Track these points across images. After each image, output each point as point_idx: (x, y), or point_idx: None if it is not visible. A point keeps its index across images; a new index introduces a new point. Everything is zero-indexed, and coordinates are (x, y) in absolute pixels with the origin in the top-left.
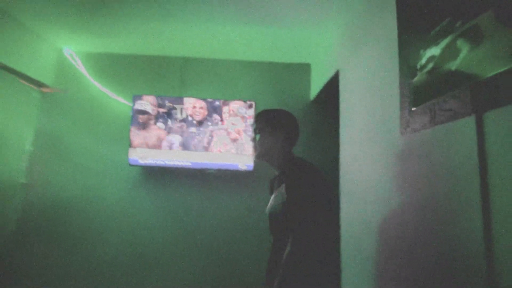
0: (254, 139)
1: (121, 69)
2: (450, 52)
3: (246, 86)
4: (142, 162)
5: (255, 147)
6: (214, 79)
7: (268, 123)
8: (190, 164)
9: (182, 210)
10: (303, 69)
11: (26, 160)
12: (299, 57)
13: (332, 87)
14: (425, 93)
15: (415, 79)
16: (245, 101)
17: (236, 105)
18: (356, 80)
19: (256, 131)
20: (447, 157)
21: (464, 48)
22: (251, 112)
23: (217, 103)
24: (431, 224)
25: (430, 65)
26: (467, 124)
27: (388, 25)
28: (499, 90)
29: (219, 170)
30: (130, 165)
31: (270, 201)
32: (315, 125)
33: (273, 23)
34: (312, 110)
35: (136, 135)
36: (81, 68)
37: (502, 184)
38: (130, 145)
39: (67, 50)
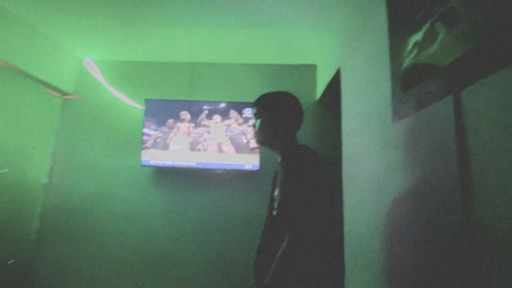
0: (254, 125)
1: (134, 75)
2: (430, 36)
3: (253, 88)
4: (153, 162)
5: (255, 133)
6: (221, 82)
7: (268, 107)
8: (199, 164)
9: (191, 209)
10: (309, 70)
11: (48, 162)
12: (305, 58)
13: (335, 86)
14: (411, 79)
15: (403, 66)
16: (252, 103)
17: (243, 107)
18: (355, 76)
19: (256, 115)
20: (430, 140)
21: (441, 30)
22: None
23: (224, 105)
24: (420, 210)
25: (415, 51)
26: (446, 104)
27: (381, 19)
28: (472, 67)
29: (226, 170)
30: (142, 165)
31: (275, 201)
32: (320, 125)
33: (279, 25)
34: (317, 110)
35: (148, 137)
36: (99, 76)
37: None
38: (142, 147)
39: (87, 60)
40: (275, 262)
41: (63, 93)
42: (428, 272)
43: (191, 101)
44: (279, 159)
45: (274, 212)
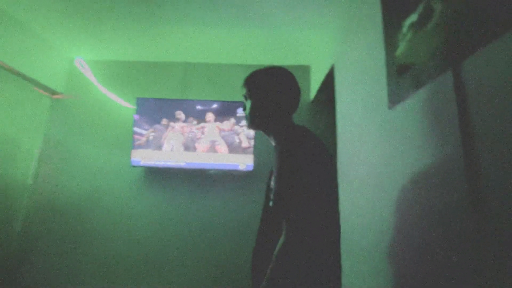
0: (244, 107)
1: (125, 75)
2: (426, 14)
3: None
4: (143, 163)
5: (246, 116)
6: (214, 83)
7: (259, 86)
8: (191, 164)
9: (183, 210)
10: (303, 71)
11: (34, 162)
12: (299, 59)
13: (329, 84)
14: (408, 61)
15: (398, 51)
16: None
17: (237, 106)
18: (349, 68)
19: (246, 96)
20: (431, 121)
21: (437, 7)
22: None
23: (217, 104)
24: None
25: (410, 33)
26: (446, 79)
27: (375, 9)
28: (471, 38)
29: (219, 171)
30: (132, 166)
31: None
32: (315, 126)
33: (272, 25)
34: (311, 110)
35: (140, 137)
36: (90, 75)
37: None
38: (132, 147)
39: (78, 59)
40: (272, 262)
41: (52, 92)
42: (433, 268)
43: (183, 99)
44: (273, 143)
45: (271, 203)
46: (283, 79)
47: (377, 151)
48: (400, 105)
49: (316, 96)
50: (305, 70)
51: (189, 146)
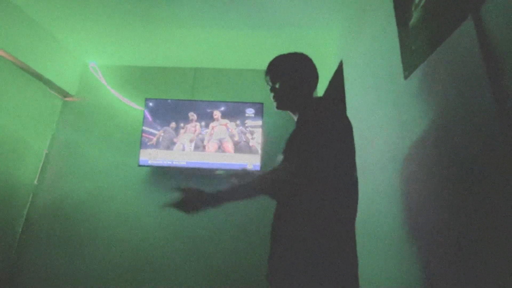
0: (271, 90)
1: (137, 79)
2: None
3: (255, 92)
4: (151, 162)
5: (275, 98)
6: (224, 86)
7: (284, 69)
8: (199, 164)
9: None
10: None
11: (41, 162)
12: None
13: (337, 80)
14: (422, 26)
15: (411, 22)
16: (254, 103)
17: (246, 107)
18: (359, 59)
19: (271, 80)
20: (455, 72)
21: None
22: (260, 113)
23: (226, 104)
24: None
25: (423, 0)
26: (467, 28)
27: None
28: None
29: (227, 170)
30: (139, 165)
31: None
32: None
33: (279, 26)
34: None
35: (149, 137)
36: (102, 80)
37: None
38: (140, 146)
39: (92, 64)
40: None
41: (65, 94)
42: (456, 240)
43: (192, 100)
44: (295, 118)
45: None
46: (303, 61)
47: (393, 124)
48: (416, 72)
49: (325, 94)
50: None
51: (198, 146)
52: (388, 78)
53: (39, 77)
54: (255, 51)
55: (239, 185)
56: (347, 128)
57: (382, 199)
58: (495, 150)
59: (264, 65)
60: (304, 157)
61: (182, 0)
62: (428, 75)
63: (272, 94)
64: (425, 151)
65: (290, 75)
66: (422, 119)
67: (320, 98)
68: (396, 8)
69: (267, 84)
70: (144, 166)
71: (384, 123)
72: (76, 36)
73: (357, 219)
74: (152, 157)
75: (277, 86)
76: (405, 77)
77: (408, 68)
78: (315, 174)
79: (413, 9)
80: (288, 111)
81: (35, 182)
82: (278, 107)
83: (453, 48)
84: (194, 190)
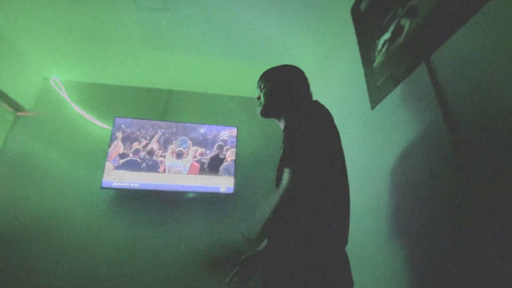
0: (259, 97)
1: (105, 97)
2: (398, 30)
3: (229, 117)
4: (116, 185)
5: (260, 105)
6: (197, 109)
7: (273, 76)
8: (170, 187)
9: (158, 237)
10: None
11: None
12: None
13: None
14: (385, 68)
15: (375, 63)
16: (228, 127)
17: (220, 130)
18: (329, 88)
19: (261, 87)
20: (411, 109)
21: (406, 23)
22: (234, 137)
23: (200, 126)
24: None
25: (385, 47)
26: (420, 71)
27: (350, 39)
28: (436, 33)
29: (199, 193)
30: (102, 187)
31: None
32: None
33: (254, 56)
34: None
35: (113, 157)
36: (64, 95)
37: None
38: (105, 167)
39: (54, 79)
40: (272, 206)
41: (18, 108)
42: (424, 254)
43: (163, 121)
44: (282, 127)
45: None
46: (292, 71)
47: (362, 148)
48: (382, 103)
49: None
50: None
51: (170, 168)
52: (357, 107)
53: None
54: (230, 77)
55: (262, 229)
56: (335, 131)
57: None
58: (446, 165)
59: (240, 92)
60: (301, 165)
61: (158, 24)
62: (391, 106)
63: (259, 101)
64: (391, 169)
65: (277, 83)
66: (387, 143)
67: (307, 103)
68: (361, 51)
69: (258, 90)
70: (107, 188)
71: (354, 145)
72: (38, 49)
73: None
74: (117, 178)
75: (265, 91)
76: (372, 108)
77: (374, 100)
78: (314, 180)
79: (376, 54)
80: (274, 119)
81: None
82: (262, 113)
83: (411, 86)
84: (245, 262)
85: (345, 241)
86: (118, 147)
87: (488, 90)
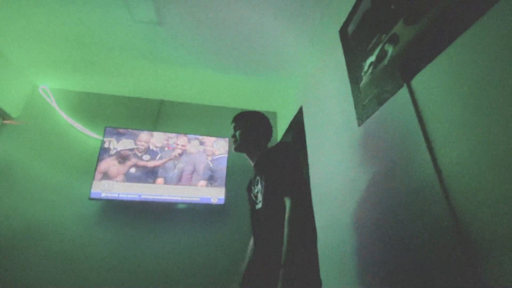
0: (234, 135)
1: (96, 107)
2: (382, 54)
3: (220, 128)
4: (104, 195)
5: (235, 141)
6: (189, 120)
7: (247, 120)
8: (160, 198)
9: (148, 247)
10: (270, 117)
11: None
12: (266, 106)
13: (296, 125)
14: (370, 88)
15: (361, 83)
16: (219, 137)
17: (211, 141)
18: (318, 106)
19: (236, 127)
20: (394, 127)
21: (389, 48)
22: (225, 147)
23: (191, 137)
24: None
25: (370, 69)
26: (402, 93)
27: (338, 59)
28: (416, 61)
29: (190, 204)
30: (90, 198)
31: (257, 197)
32: None
33: (248, 70)
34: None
35: (102, 167)
36: (54, 104)
37: (442, 137)
38: (94, 178)
39: (43, 86)
40: (288, 235)
41: (4, 116)
42: (405, 268)
43: (154, 131)
44: (252, 164)
45: (259, 205)
46: (262, 118)
47: (348, 162)
48: (368, 121)
49: (283, 139)
50: (272, 116)
51: (158, 179)
52: (344, 124)
53: None
54: (222, 89)
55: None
56: (299, 161)
57: (338, 227)
58: (426, 180)
59: (231, 104)
60: (297, 193)
61: (151, 36)
62: (377, 125)
63: (233, 139)
64: (375, 185)
65: (250, 127)
66: (373, 159)
67: (275, 145)
68: (349, 71)
69: (232, 130)
70: (96, 199)
71: (342, 160)
72: (27, 56)
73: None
74: (106, 189)
75: (238, 133)
76: (359, 125)
77: (361, 117)
78: (306, 203)
79: (362, 74)
80: (245, 155)
81: None
82: (236, 149)
83: (394, 106)
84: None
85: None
86: (108, 157)
87: (464, 110)
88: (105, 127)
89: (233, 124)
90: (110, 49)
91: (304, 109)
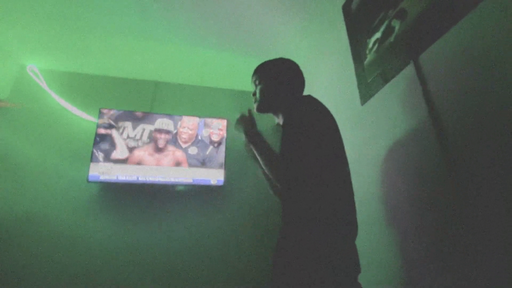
0: (254, 93)
1: (89, 88)
2: (388, 31)
3: (218, 109)
4: (102, 178)
5: (255, 100)
6: (186, 102)
7: (268, 72)
8: (158, 180)
9: (147, 230)
10: None
11: None
12: None
13: None
14: (375, 66)
15: (366, 61)
16: (218, 118)
17: (211, 122)
18: (320, 84)
19: (256, 82)
20: (399, 105)
21: (396, 24)
22: (223, 128)
23: (190, 118)
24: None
25: (376, 46)
26: (409, 70)
27: (341, 37)
28: (425, 35)
29: (188, 186)
30: (89, 181)
31: None
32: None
33: (245, 49)
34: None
35: (99, 150)
36: (44, 85)
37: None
38: (91, 160)
39: (31, 67)
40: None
41: None
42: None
43: (151, 113)
44: (280, 123)
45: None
46: (289, 65)
47: (351, 142)
48: (371, 100)
49: None
50: None
51: (157, 160)
52: (348, 103)
53: None
54: (220, 70)
55: (265, 144)
56: (333, 122)
57: None
58: (432, 158)
59: (230, 85)
60: (295, 157)
61: (145, 12)
62: (381, 103)
63: (254, 97)
64: (379, 164)
65: (272, 79)
66: (376, 138)
67: (302, 97)
68: (352, 49)
69: (253, 85)
70: (94, 182)
71: (344, 141)
72: (13, 33)
73: None
74: (104, 171)
75: (258, 89)
76: (362, 104)
77: (364, 96)
78: (308, 174)
79: (367, 52)
80: (271, 113)
81: None
82: (258, 109)
83: (400, 84)
84: (247, 120)
85: (353, 233)
86: (104, 139)
87: (472, 88)
88: (100, 108)
89: (253, 79)
90: (100, 27)
91: (305, 89)
